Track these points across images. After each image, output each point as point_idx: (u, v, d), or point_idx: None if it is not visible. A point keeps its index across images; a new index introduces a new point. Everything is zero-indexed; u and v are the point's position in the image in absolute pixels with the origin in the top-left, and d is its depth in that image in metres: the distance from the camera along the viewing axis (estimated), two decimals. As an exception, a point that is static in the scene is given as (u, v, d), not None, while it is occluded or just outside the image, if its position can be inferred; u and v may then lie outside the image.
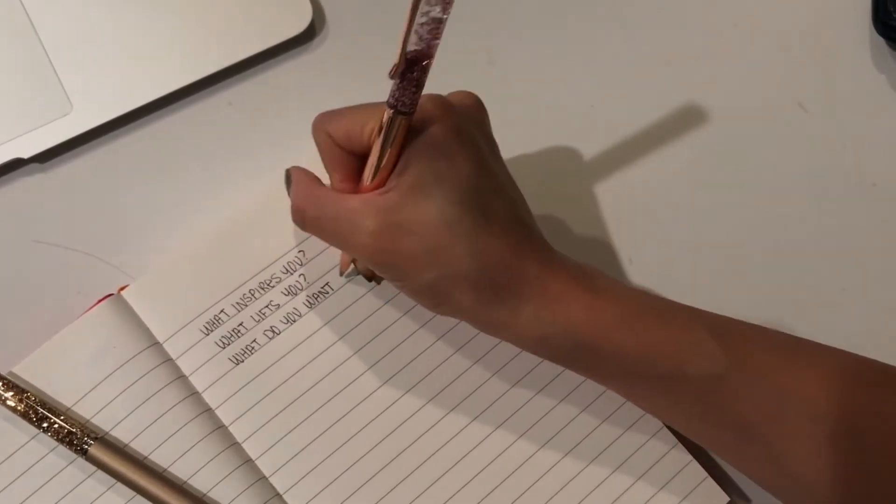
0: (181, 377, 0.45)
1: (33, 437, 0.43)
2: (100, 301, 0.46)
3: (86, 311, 0.45)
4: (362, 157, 0.41)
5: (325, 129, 0.42)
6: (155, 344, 0.45)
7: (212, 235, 0.47)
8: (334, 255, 0.47)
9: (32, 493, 0.43)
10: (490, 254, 0.39)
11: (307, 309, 0.46)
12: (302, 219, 0.43)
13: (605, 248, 0.51)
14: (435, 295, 0.41)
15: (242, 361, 0.45)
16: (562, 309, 0.40)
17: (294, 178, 0.43)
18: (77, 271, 0.48)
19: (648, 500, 0.45)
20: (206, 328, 0.46)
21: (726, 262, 0.51)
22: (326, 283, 0.47)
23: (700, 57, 0.54)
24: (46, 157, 0.49)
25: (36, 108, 0.49)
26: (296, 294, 0.47)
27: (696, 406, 0.41)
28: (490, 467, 0.45)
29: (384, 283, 0.47)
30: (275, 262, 0.47)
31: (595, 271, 0.42)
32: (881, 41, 0.54)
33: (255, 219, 0.47)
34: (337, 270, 0.47)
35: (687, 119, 0.53)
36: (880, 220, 0.52)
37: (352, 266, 0.47)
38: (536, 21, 0.55)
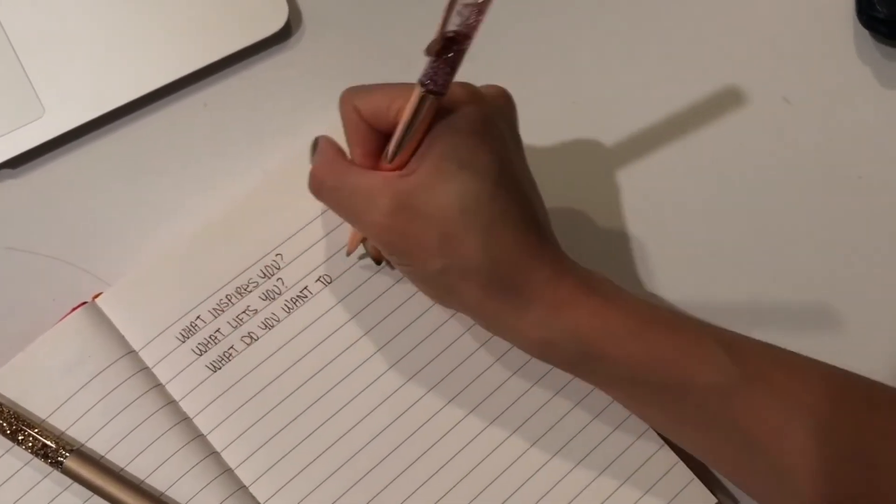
0: (158, 385, 0.44)
1: (7, 451, 0.43)
2: (74, 309, 0.45)
3: (60, 320, 0.45)
4: (386, 135, 0.40)
5: (353, 102, 0.41)
6: (131, 352, 0.44)
7: (187, 240, 0.46)
8: (313, 257, 0.46)
9: (7, 507, 0.42)
10: (504, 251, 0.39)
11: (285, 314, 0.46)
12: (319, 187, 0.42)
13: (594, 241, 0.50)
14: (442, 285, 0.40)
15: (220, 368, 0.45)
16: (569, 314, 0.39)
17: (321, 146, 0.43)
18: (51, 279, 0.47)
19: (635, 503, 0.45)
20: (183, 335, 0.45)
21: (709, 255, 0.51)
22: (305, 287, 0.46)
23: (683, 51, 0.54)
24: (18, 162, 0.49)
25: (6, 113, 0.48)
26: (274, 299, 0.46)
27: (702, 417, 0.40)
28: (475, 472, 0.45)
29: (368, 288, 0.46)
30: (252, 265, 0.46)
31: (604, 279, 0.41)
32: (865, 33, 0.54)
33: (232, 222, 0.46)
34: (314, 274, 0.46)
35: (669, 113, 0.52)
36: (866, 212, 0.52)
37: (360, 247, 0.46)
38: (517, 15, 0.54)
